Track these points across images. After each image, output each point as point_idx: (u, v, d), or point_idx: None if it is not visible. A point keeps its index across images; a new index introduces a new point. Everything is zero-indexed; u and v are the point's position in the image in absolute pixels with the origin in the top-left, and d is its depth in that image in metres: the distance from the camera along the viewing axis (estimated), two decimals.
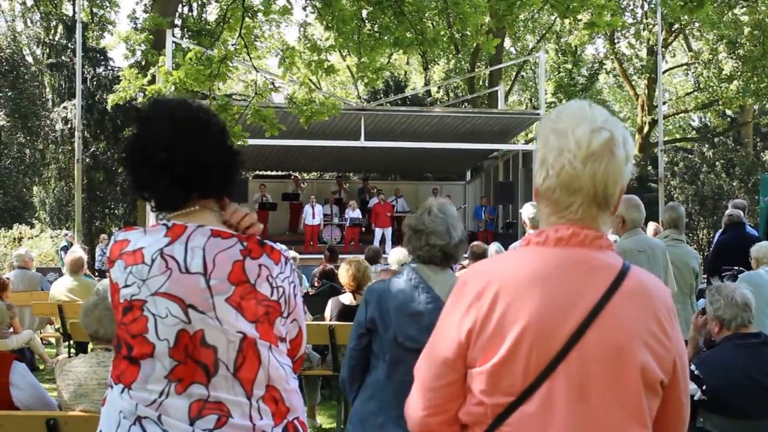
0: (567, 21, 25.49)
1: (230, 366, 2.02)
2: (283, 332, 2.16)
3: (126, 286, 2.05)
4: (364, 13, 10.92)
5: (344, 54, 10.55)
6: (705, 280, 7.02)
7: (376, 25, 11.02)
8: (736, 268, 6.81)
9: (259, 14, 11.71)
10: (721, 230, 8.45)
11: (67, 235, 16.94)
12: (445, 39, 10.65)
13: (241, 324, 2.04)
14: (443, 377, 1.69)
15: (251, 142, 12.06)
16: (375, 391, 3.19)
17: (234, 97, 24.78)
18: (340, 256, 11.55)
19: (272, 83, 12.16)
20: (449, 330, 1.69)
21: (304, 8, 12.64)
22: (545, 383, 1.59)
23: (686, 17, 28.46)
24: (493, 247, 9.66)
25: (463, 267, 8.66)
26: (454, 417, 1.71)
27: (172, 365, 2.00)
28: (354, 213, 20.68)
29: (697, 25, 29.74)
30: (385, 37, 10.28)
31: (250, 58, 11.28)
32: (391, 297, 3.17)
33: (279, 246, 2.22)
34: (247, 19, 10.55)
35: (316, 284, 9.31)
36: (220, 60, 9.89)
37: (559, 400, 1.58)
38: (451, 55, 30.51)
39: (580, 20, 11.24)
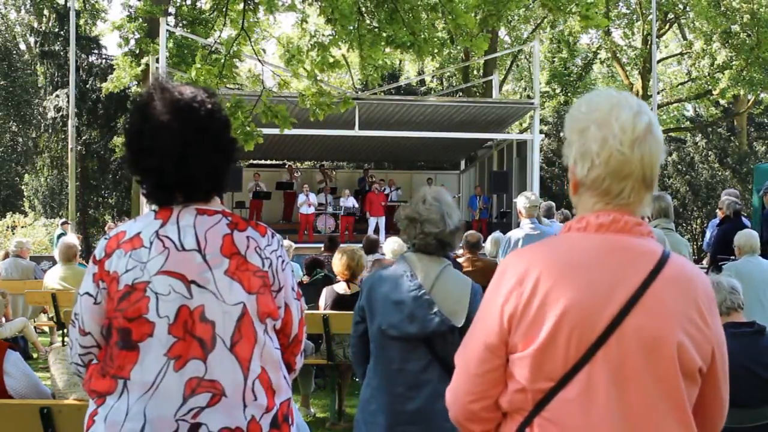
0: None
1: (227, 341, 2.04)
2: (277, 304, 2.18)
3: (127, 271, 2.07)
4: (363, 8, 10.84)
5: (348, 47, 10.34)
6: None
7: (375, 21, 10.94)
8: (733, 257, 6.77)
9: (260, 7, 11.56)
10: (718, 220, 8.37)
11: (64, 223, 16.88)
12: (436, 42, 10.51)
13: (240, 295, 2.07)
14: (487, 363, 1.70)
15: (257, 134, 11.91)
16: (370, 378, 3.26)
17: (229, 86, 24.66)
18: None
19: (281, 78, 12.00)
20: (491, 315, 1.70)
21: (303, 0, 12.51)
22: (585, 368, 1.60)
23: (680, 5, 28.47)
24: (492, 236, 9.69)
25: (457, 256, 8.66)
26: (497, 403, 1.72)
27: (170, 342, 2.02)
28: (348, 201, 20.66)
29: (691, 15, 29.69)
30: (383, 34, 10.19)
31: (256, 53, 11.20)
32: (380, 286, 3.23)
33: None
34: (248, 12, 10.43)
35: (304, 272, 9.24)
36: (225, 56, 9.77)
37: (599, 386, 1.60)
38: (445, 49, 30.46)
39: (574, 14, 11.19)
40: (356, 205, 21.03)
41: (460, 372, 1.77)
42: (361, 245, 8.97)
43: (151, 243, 2.08)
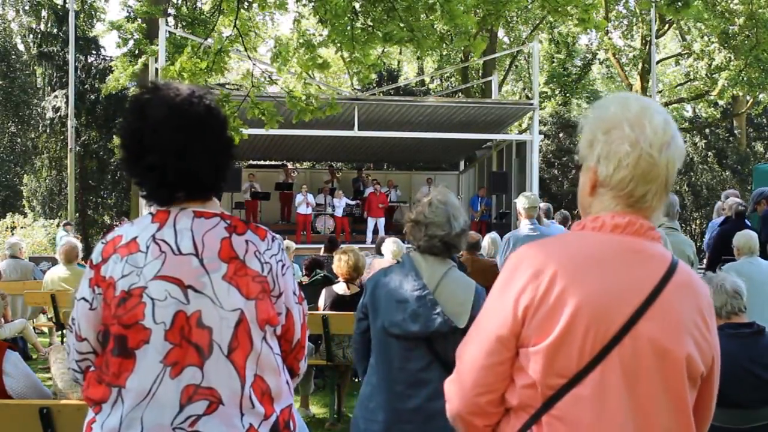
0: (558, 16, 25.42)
1: (224, 348, 2.00)
2: (277, 310, 2.14)
3: (123, 276, 2.03)
4: (357, 6, 10.77)
5: (337, 47, 10.21)
6: (702, 271, 6.96)
7: (369, 19, 10.89)
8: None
9: (254, 5, 11.53)
10: (721, 220, 8.32)
11: (66, 224, 16.88)
12: (434, 38, 10.41)
13: (238, 301, 2.02)
14: (496, 355, 1.67)
15: (244, 131, 11.90)
16: (370, 375, 3.28)
17: (227, 86, 24.68)
18: None
19: (269, 76, 11.95)
20: (503, 307, 1.68)
21: (298, 0, 12.43)
22: (599, 367, 1.59)
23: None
24: (489, 236, 9.70)
25: (459, 257, 8.66)
26: (502, 397, 1.70)
27: (166, 349, 1.98)
28: (341, 202, 20.64)
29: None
30: (378, 32, 10.13)
31: (246, 49, 11.14)
32: (383, 284, 3.25)
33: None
34: (242, 10, 10.38)
35: (303, 272, 9.24)
36: (215, 53, 9.73)
37: (611, 386, 1.59)
38: (444, 45, 30.45)
39: (571, 16, 11.14)
40: (349, 204, 21.07)
41: (465, 364, 1.73)
42: (357, 246, 8.97)
43: (148, 247, 2.04)
